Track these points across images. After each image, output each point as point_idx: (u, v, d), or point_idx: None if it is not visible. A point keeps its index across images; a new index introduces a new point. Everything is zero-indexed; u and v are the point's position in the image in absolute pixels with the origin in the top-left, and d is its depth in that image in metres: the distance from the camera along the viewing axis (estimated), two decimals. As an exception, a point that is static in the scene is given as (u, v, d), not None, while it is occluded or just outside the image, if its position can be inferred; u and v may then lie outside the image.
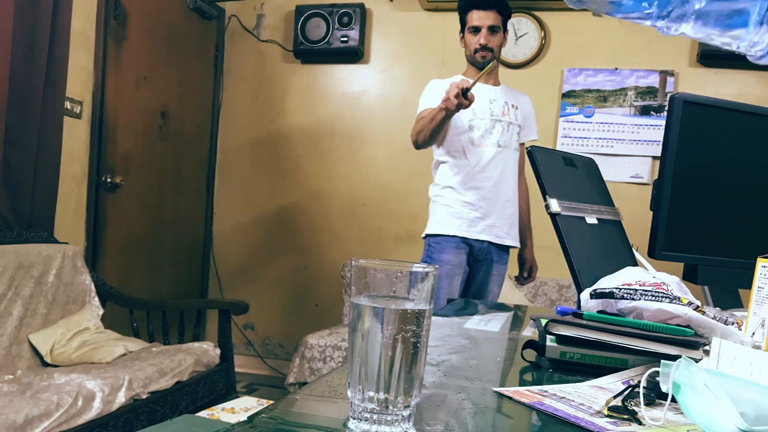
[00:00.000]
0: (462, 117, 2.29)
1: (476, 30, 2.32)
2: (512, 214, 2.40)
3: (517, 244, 2.47)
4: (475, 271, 2.40)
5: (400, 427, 0.53)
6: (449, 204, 2.35)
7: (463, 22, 2.37)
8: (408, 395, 0.54)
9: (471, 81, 2.05)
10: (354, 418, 0.54)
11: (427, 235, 2.41)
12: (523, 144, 2.50)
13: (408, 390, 0.53)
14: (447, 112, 2.10)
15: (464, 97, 2.01)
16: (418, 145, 2.31)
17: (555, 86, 3.44)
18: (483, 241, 2.34)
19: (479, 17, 2.31)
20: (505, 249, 2.42)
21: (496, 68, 2.41)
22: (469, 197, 2.32)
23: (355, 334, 0.54)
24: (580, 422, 0.58)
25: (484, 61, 2.33)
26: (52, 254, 2.48)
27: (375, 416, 0.53)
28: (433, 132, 2.22)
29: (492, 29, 2.31)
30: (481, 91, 2.34)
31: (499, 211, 2.35)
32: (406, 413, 0.54)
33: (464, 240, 2.33)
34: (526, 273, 2.56)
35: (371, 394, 0.53)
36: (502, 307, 1.58)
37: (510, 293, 2.85)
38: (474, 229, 2.32)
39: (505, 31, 2.37)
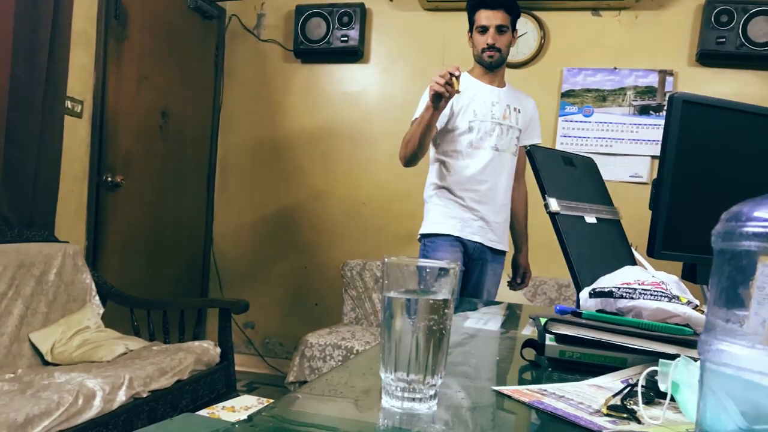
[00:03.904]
0: (463, 118, 2.30)
1: (484, 29, 2.30)
2: (505, 218, 2.40)
3: (509, 249, 2.47)
4: (471, 271, 2.40)
5: (426, 404, 0.61)
6: (443, 204, 2.35)
7: (471, 22, 2.36)
8: (434, 376, 0.60)
9: (462, 73, 1.97)
10: (387, 395, 0.62)
11: (422, 235, 2.41)
12: (524, 147, 2.49)
13: (434, 371, 0.60)
14: (433, 103, 2.01)
15: (449, 84, 1.93)
16: (407, 159, 2.25)
17: (554, 86, 3.44)
18: (476, 242, 2.34)
19: (487, 17, 2.29)
20: (499, 251, 2.43)
21: (502, 69, 2.40)
22: (463, 199, 2.32)
23: (388, 322, 0.61)
24: (579, 421, 0.58)
25: (492, 61, 2.32)
26: (53, 253, 2.48)
27: (405, 394, 0.60)
28: (421, 137, 2.15)
29: (500, 29, 2.29)
30: (484, 92, 2.33)
31: (493, 215, 2.34)
32: (431, 392, 0.61)
33: (458, 239, 2.33)
34: (520, 279, 2.57)
35: (402, 374, 0.60)
36: (501, 306, 1.58)
37: (509, 292, 2.85)
38: (468, 230, 2.32)
39: (514, 30, 2.35)
